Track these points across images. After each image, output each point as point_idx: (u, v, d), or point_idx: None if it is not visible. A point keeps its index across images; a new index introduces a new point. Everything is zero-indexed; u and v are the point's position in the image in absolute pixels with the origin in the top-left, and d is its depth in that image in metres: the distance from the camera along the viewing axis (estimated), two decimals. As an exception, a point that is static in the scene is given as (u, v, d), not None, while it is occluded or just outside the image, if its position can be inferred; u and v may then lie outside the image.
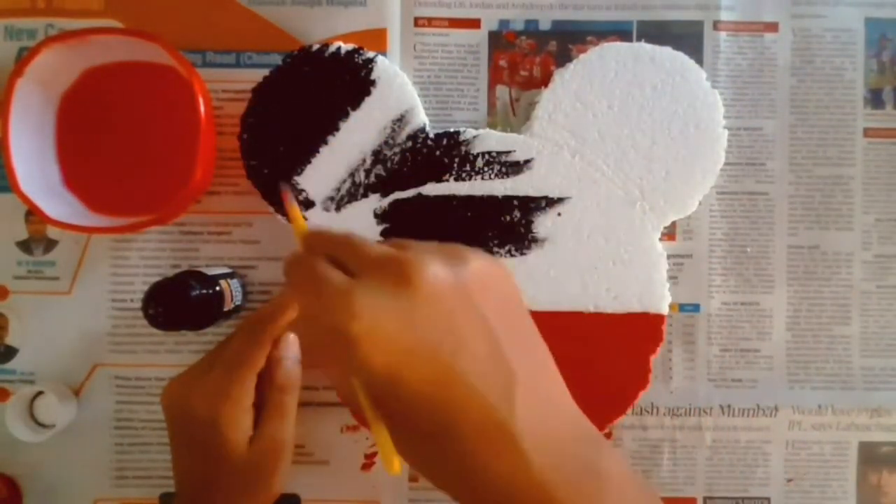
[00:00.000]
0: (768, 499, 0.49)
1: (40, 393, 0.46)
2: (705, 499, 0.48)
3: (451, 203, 0.46)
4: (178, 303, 0.40)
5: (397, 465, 0.26)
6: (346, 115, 0.45)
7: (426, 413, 0.26)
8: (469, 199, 0.46)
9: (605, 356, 0.45)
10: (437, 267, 0.26)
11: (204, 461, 0.39)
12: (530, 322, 0.30)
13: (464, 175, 0.46)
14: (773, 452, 0.49)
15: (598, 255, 0.46)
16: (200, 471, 0.40)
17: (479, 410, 0.26)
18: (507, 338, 0.28)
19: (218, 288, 0.42)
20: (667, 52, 0.46)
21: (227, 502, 0.40)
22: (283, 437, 0.40)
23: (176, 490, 0.41)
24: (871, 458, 0.49)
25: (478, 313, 0.27)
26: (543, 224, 0.46)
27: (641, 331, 0.46)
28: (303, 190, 0.45)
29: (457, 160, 0.46)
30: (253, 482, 0.40)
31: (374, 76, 0.45)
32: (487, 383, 0.26)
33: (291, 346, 0.42)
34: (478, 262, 0.28)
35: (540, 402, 0.28)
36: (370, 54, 0.45)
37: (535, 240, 0.46)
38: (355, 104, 0.45)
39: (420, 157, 0.46)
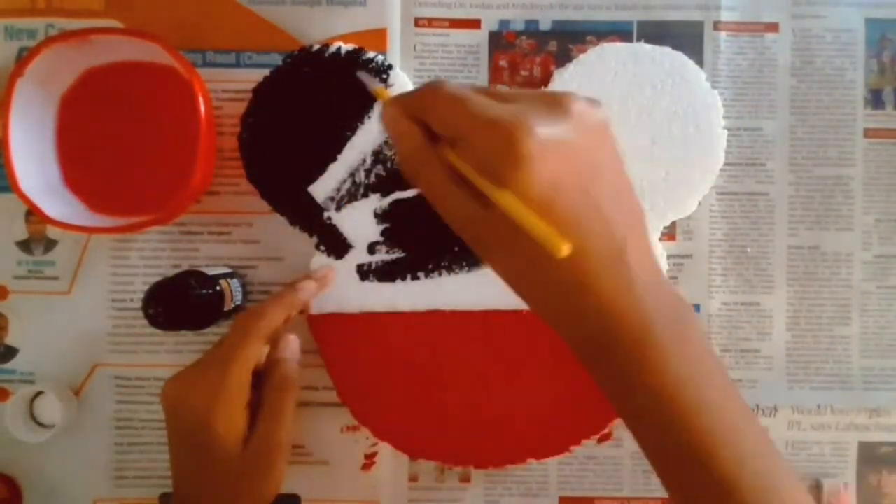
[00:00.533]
0: (768, 499, 0.49)
1: (40, 393, 0.46)
2: (705, 499, 0.48)
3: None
4: (178, 303, 0.40)
5: (566, 246, 0.26)
6: (357, 125, 0.45)
7: (562, 230, 0.27)
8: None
9: None
10: (583, 102, 0.28)
11: (199, 461, 0.39)
12: (628, 175, 0.32)
13: None
14: (773, 453, 0.49)
15: None
16: (195, 470, 0.40)
17: (604, 234, 0.29)
18: (622, 183, 0.31)
19: (218, 288, 0.42)
20: (666, 52, 0.46)
21: (222, 502, 0.40)
22: (279, 439, 0.40)
23: (174, 489, 0.41)
24: (871, 458, 0.49)
25: (615, 150, 0.30)
26: None
27: None
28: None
29: None
30: (247, 483, 0.40)
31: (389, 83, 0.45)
32: (614, 215, 0.29)
33: (290, 346, 0.43)
34: (606, 108, 0.30)
35: (640, 243, 0.31)
36: (378, 57, 0.45)
37: None
38: (365, 114, 0.45)
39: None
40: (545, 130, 0.26)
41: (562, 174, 0.27)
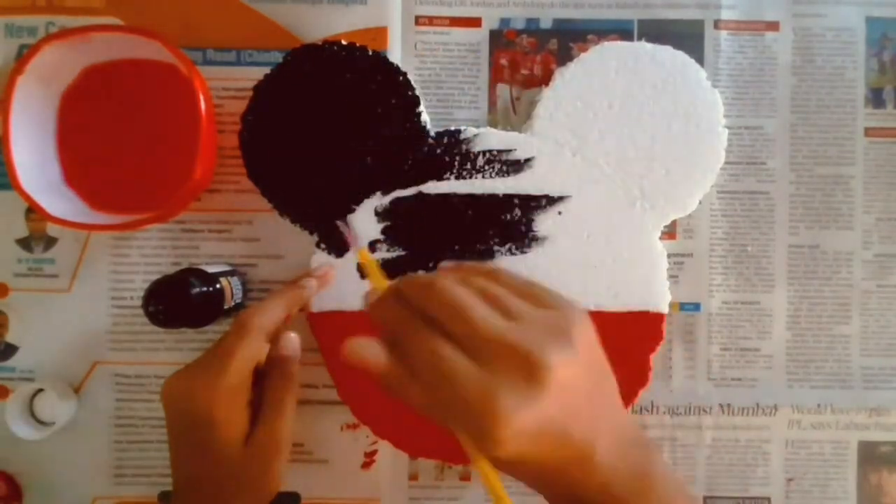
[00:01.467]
0: (768, 498, 0.49)
1: (40, 390, 0.46)
2: (705, 498, 0.48)
3: (451, 201, 0.46)
4: (178, 300, 0.40)
5: None
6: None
7: (531, 466, 0.30)
8: (470, 198, 0.46)
9: (606, 355, 0.45)
10: (556, 352, 0.29)
11: (199, 458, 0.39)
12: (606, 365, 0.33)
13: (464, 173, 0.46)
14: (773, 451, 0.49)
15: (599, 254, 0.46)
16: (196, 467, 0.40)
17: (574, 457, 0.30)
18: (598, 389, 0.32)
19: (218, 286, 0.42)
20: (667, 51, 0.46)
21: (222, 499, 0.40)
22: (280, 436, 0.40)
23: (173, 487, 0.41)
24: (871, 457, 0.49)
25: (587, 376, 0.30)
26: (544, 223, 0.46)
27: (642, 329, 0.46)
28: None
29: (457, 158, 0.46)
30: (247, 480, 0.40)
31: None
32: (586, 436, 0.30)
33: (291, 343, 0.43)
34: (580, 332, 0.31)
35: (611, 424, 0.32)
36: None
37: (535, 238, 0.46)
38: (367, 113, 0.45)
39: (421, 155, 0.46)
40: (519, 420, 0.27)
41: (536, 441, 0.29)
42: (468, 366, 0.28)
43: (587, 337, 0.31)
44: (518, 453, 0.28)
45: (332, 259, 0.46)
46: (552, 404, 0.28)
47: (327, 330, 0.46)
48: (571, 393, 0.29)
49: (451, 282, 0.31)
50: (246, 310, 0.41)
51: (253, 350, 0.40)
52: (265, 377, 0.42)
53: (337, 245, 0.46)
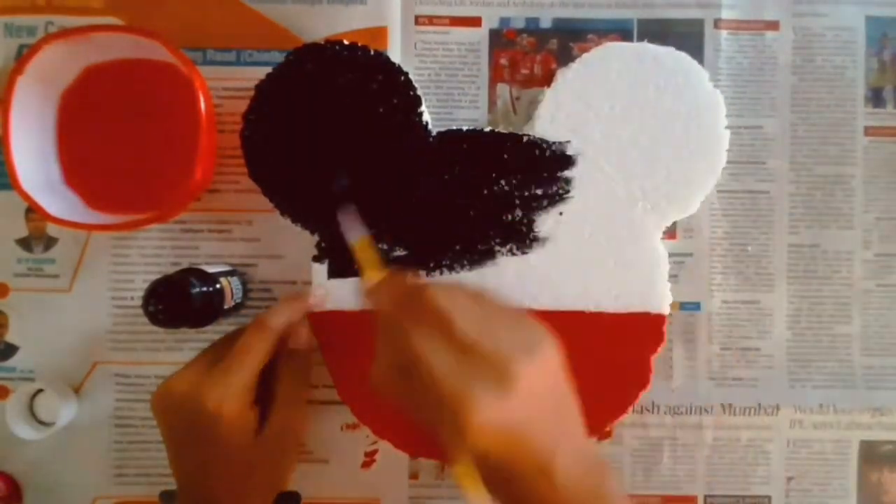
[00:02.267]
0: (769, 497, 0.49)
1: (40, 391, 0.46)
2: (706, 497, 0.48)
3: (453, 201, 0.46)
4: (178, 300, 0.40)
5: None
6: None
7: (495, 463, 0.32)
8: (471, 198, 0.46)
9: (606, 356, 0.45)
10: (521, 360, 0.32)
11: (207, 456, 0.40)
12: (567, 383, 0.36)
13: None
14: (774, 451, 0.49)
15: (600, 255, 0.46)
16: (203, 466, 0.40)
17: (533, 460, 0.33)
18: (557, 402, 0.35)
19: (218, 286, 0.42)
20: (669, 52, 0.46)
21: (232, 494, 0.40)
22: (295, 428, 0.42)
23: (178, 488, 0.41)
24: (872, 456, 0.49)
25: (548, 387, 0.33)
26: (545, 223, 0.46)
27: (642, 331, 0.46)
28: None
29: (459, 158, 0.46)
30: (259, 474, 0.40)
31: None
32: (545, 440, 0.33)
33: (303, 338, 0.43)
34: (545, 347, 0.34)
35: (571, 445, 0.35)
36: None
37: (536, 239, 0.46)
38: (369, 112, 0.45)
39: (422, 154, 0.46)
40: (487, 412, 0.30)
41: (501, 437, 0.31)
42: (447, 361, 0.31)
43: (555, 360, 0.34)
44: (485, 450, 0.31)
45: (327, 283, 0.46)
46: (517, 407, 0.31)
47: (327, 330, 0.46)
48: (536, 403, 0.32)
49: (441, 290, 0.34)
50: (263, 312, 0.42)
51: (268, 348, 0.41)
52: (279, 371, 0.42)
53: (338, 246, 0.46)
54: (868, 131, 0.49)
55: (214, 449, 0.39)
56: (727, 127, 0.46)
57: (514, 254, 0.46)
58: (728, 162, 0.47)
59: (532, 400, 0.32)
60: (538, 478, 0.33)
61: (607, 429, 0.48)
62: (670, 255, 0.47)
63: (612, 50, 0.46)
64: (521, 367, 0.31)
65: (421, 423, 0.34)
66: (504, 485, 0.33)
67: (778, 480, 0.49)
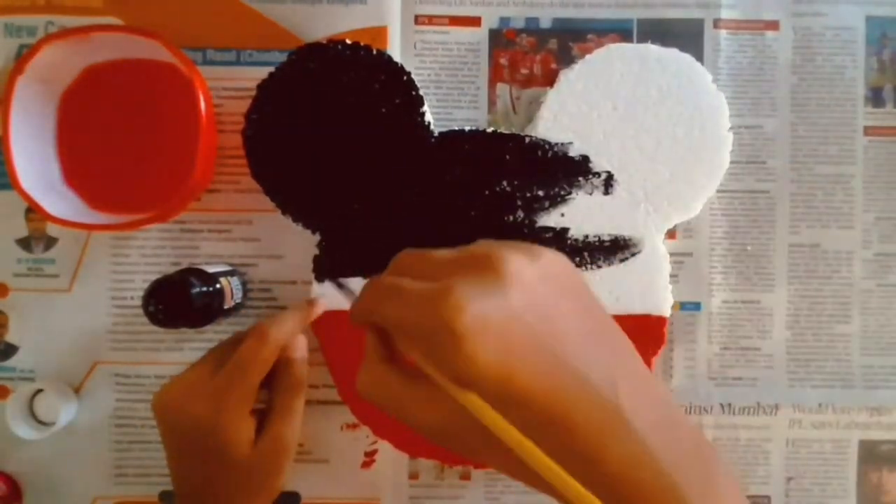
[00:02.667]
0: (769, 497, 0.49)
1: (40, 391, 0.46)
2: (705, 497, 0.48)
3: (454, 201, 0.46)
4: (178, 300, 0.40)
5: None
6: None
7: (539, 407, 0.24)
8: (473, 198, 0.46)
9: None
10: (519, 257, 0.26)
11: (205, 463, 0.39)
12: (603, 309, 0.29)
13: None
14: (774, 451, 0.49)
15: (603, 253, 0.46)
16: (201, 473, 0.40)
17: (588, 395, 0.25)
18: (593, 323, 0.28)
19: (219, 286, 0.42)
20: (673, 53, 0.46)
21: (229, 501, 0.40)
22: (289, 439, 0.41)
23: (176, 492, 0.41)
24: (872, 456, 0.49)
25: (567, 299, 0.27)
26: (547, 224, 0.46)
27: (643, 333, 0.45)
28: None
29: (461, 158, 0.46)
30: (256, 482, 0.40)
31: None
32: (591, 367, 0.25)
33: (300, 347, 0.43)
34: (550, 254, 0.28)
35: (639, 383, 0.27)
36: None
37: (538, 240, 0.46)
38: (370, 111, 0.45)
39: (424, 154, 0.46)
40: (478, 304, 0.24)
41: (513, 342, 0.24)
42: (424, 284, 0.26)
43: (565, 265, 0.28)
44: (497, 366, 0.24)
45: (329, 289, 0.46)
46: (517, 298, 0.25)
47: (328, 329, 0.46)
48: (542, 300, 0.25)
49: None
50: (264, 320, 0.42)
51: (269, 359, 0.40)
52: (275, 380, 0.42)
53: (339, 245, 0.46)
54: (868, 131, 0.49)
55: (212, 457, 0.39)
56: (730, 129, 0.46)
57: None
58: (729, 162, 0.47)
59: (537, 295, 0.25)
60: (604, 425, 0.25)
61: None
62: (671, 255, 0.47)
63: (615, 51, 0.46)
64: (512, 257, 0.25)
65: (417, 423, 0.27)
66: (550, 436, 0.24)
67: (777, 480, 0.49)
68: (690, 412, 0.48)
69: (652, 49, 0.46)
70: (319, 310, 0.45)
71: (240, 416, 0.39)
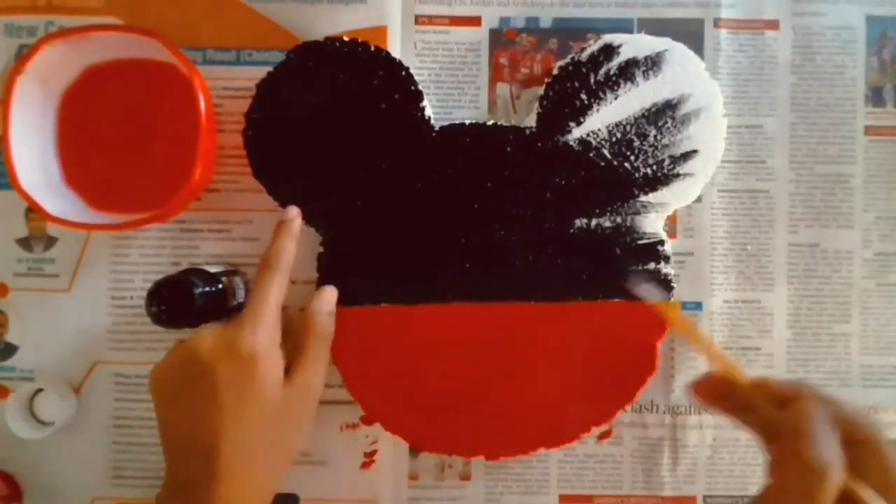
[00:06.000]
0: (769, 497, 0.49)
1: (40, 390, 0.46)
2: (705, 497, 0.48)
3: (457, 194, 0.46)
4: (181, 300, 0.40)
5: None
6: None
7: None
8: (475, 190, 0.46)
9: (614, 344, 0.46)
10: None
11: (246, 404, 0.38)
12: None
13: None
14: (774, 450, 0.48)
15: (605, 244, 0.46)
16: (237, 413, 0.38)
17: None
18: None
19: (221, 286, 0.42)
20: (666, 42, 0.46)
21: (265, 442, 0.39)
22: (318, 383, 0.42)
23: (170, 472, 0.39)
24: (872, 456, 0.48)
25: None
26: (547, 214, 0.46)
27: (648, 318, 0.46)
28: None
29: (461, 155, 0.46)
30: (289, 423, 0.40)
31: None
32: None
33: (326, 296, 0.44)
34: None
35: None
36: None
37: (541, 232, 0.46)
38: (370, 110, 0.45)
39: (426, 148, 0.46)
40: None
41: None
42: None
43: None
44: None
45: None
46: None
47: (337, 327, 0.46)
48: None
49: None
50: (267, 252, 0.42)
51: (283, 287, 0.41)
52: (304, 327, 0.43)
53: (339, 245, 0.46)
54: (868, 130, 0.49)
55: (250, 391, 0.38)
56: (725, 115, 0.46)
57: (520, 247, 0.46)
58: (728, 161, 0.47)
59: None
60: None
61: (610, 424, 0.48)
62: (672, 255, 0.47)
63: (609, 41, 0.46)
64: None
65: None
66: None
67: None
68: (691, 412, 0.48)
69: (645, 38, 0.46)
70: (297, 219, 0.44)
71: (272, 347, 0.40)
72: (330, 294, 0.45)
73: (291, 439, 0.41)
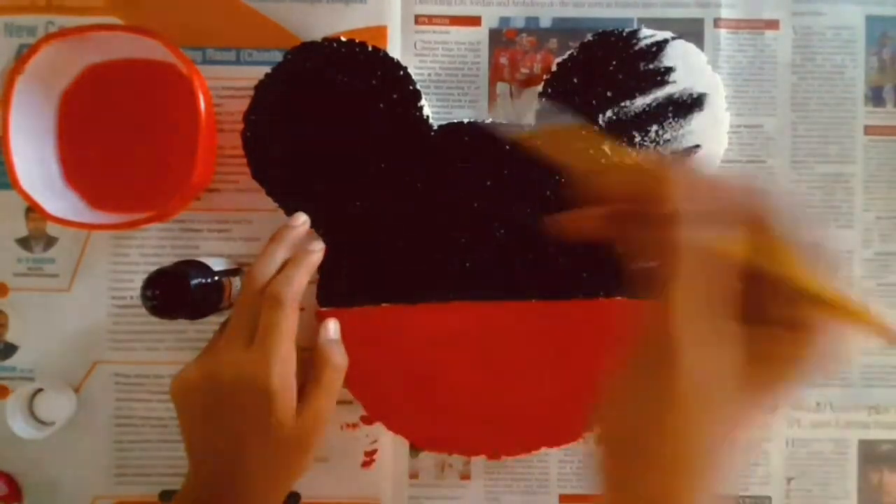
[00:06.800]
0: (769, 497, 0.49)
1: (40, 390, 0.46)
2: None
3: (456, 193, 0.46)
4: (176, 290, 0.40)
5: None
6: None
7: None
8: (474, 190, 0.46)
9: (615, 342, 0.45)
10: None
11: (245, 433, 0.40)
12: None
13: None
14: (774, 451, 0.49)
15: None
16: (236, 444, 0.40)
17: None
18: None
19: (217, 278, 0.42)
20: (667, 36, 0.46)
21: (266, 473, 0.40)
22: (329, 412, 0.42)
23: (195, 471, 0.41)
24: (872, 456, 0.48)
25: None
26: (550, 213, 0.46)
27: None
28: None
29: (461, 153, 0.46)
30: (295, 453, 0.41)
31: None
32: None
33: (334, 328, 0.45)
34: None
35: None
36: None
37: (542, 230, 0.46)
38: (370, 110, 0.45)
39: (424, 148, 0.46)
40: None
41: None
42: None
43: None
44: None
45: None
46: None
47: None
48: None
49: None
50: (273, 284, 0.41)
51: (294, 320, 0.41)
52: (318, 357, 0.43)
53: (339, 244, 0.46)
54: (868, 130, 0.49)
55: (265, 424, 0.39)
56: (727, 109, 0.46)
57: (520, 246, 0.46)
58: (728, 161, 0.47)
59: None
60: None
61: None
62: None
63: (608, 36, 0.46)
64: None
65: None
66: None
67: (778, 480, 0.49)
68: (690, 412, 0.48)
69: (646, 33, 0.46)
70: (316, 257, 0.44)
71: (286, 379, 0.40)
72: (334, 325, 0.45)
73: (300, 463, 0.42)
